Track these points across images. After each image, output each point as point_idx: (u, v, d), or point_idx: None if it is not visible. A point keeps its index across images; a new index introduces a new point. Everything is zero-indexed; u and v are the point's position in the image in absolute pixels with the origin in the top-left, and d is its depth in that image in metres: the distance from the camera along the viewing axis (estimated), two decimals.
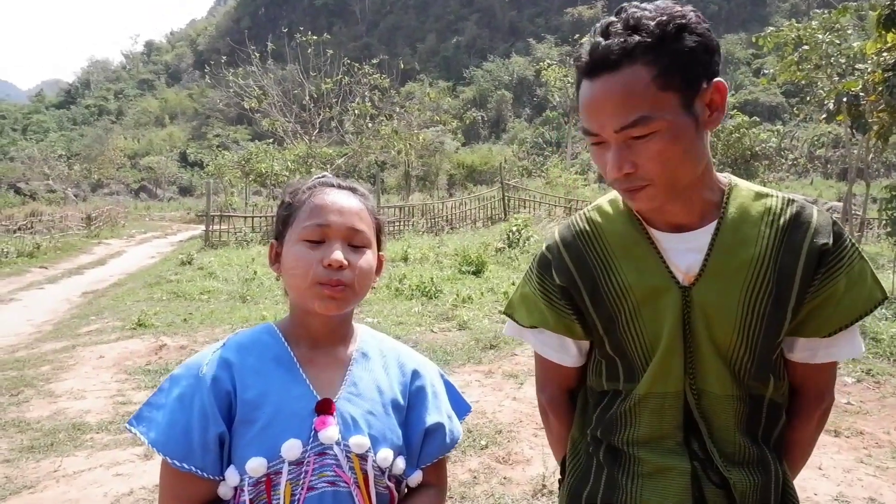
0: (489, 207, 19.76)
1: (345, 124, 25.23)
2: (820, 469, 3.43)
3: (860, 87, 8.11)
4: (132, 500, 3.23)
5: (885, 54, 7.37)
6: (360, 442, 1.05)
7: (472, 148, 43.96)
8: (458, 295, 7.91)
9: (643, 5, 0.96)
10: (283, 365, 1.10)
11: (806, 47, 9.62)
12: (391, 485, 1.10)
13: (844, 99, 7.93)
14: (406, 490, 1.15)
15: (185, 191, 51.11)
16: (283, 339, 1.13)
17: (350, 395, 1.10)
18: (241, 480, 1.02)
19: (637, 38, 0.91)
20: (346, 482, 1.04)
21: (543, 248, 1.20)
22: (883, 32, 6.69)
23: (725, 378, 1.05)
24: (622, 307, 1.08)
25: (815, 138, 36.71)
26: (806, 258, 1.01)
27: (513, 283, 8.46)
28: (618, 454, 1.13)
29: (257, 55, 23.70)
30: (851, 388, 4.71)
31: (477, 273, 9.73)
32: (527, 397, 4.48)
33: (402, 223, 17.81)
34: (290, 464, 1.02)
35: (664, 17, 0.92)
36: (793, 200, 1.07)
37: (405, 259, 11.25)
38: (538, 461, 3.49)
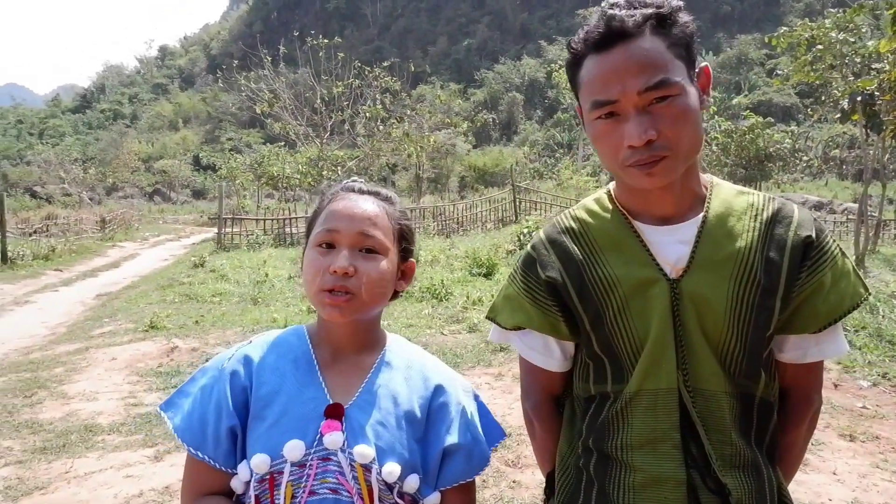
0: (500, 209, 19.73)
1: (356, 127, 25.29)
2: (835, 474, 3.38)
3: (875, 86, 8.01)
4: (142, 502, 3.24)
5: None
6: (363, 452, 1.03)
7: (484, 150, 43.96)
8: (468, 297, 7.89)
9: None
10: (302, 366, 1.10)
11: (819, 47, 9.51)
12: (402, 503, 1.06)
13: (859, 98, 7.84)
14: None
15: (199, 194, 51.52)
16: (308, 342, 1.13)
17: (363, 402, 1.08)
18: (251, 475, 1.03)
19: (649, 10, 0.96)
20: (348, 491, 1.01)
21: (528, 247, 1.19)
22: None
23: (719, 374, 1.04)
24: (610, 301, 1.07)
25: (830, 139, 36.36)
26: (791, 250, 1.03)
27: None
28: (609, 464, 1.09)
29: (269, 59, 23.83)
30: (867, 392, 4.64)
31: (487, 275, 9.71)
32: None
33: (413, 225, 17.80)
34: (293, 465, 1.01)
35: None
36: (773, 198, 1.10)
37: (416, 261, 11.23)
38: None
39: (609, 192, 1.16)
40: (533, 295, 1.14)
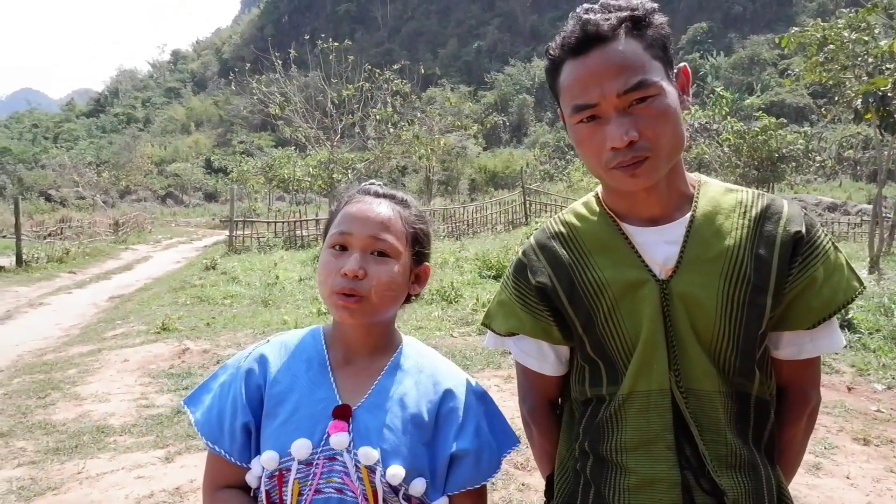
0: (510, 212, 19.72)
1: (366, 130, 25.36)
2: (848, 478, 3.34)
3: (889, 86, 7.92)
4: (153, 503, 3.26)
5: None
6: (367, 453, 1.04)
7: (494, 152, 43.92)
8: (477, 299, 7.89)
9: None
10: (315, 366, 1.11)
11: (831, 47, 9.41)
12: None
13: (871, 100, 7.76)
14: None
15: (211, 197, 51.83)
16: (322, 342, 1.15)
17: (371, 405, 1.09)
18: (262, 471, 1.06)
19: (624, 13, 0.97)
20: (353, 492, 1.03)
21: (519, 253, 1.20)
22: None
23: (712, 374, 1.03)
24: (600, 304, 1.07)
25: (844, 139, 35.97)
26: (781, 246, 1.02)
27: None
28: (605, 466, 1.09)
29: (280, 62, 23.96)
30: (881, 396, 4.59)
31: (497, 278, 9.69)
32: None
33: None
34: (300, 463, 1.03)
35: (636, 2, 1.00)
36: (762, 194, 1.10)
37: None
38: None
39: (597, 194, 1.16)
40: (524, 300, 1.15)
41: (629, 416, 1.06)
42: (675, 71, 1.03)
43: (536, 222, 13.77)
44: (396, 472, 1.04)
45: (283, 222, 17.80)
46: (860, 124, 9.73)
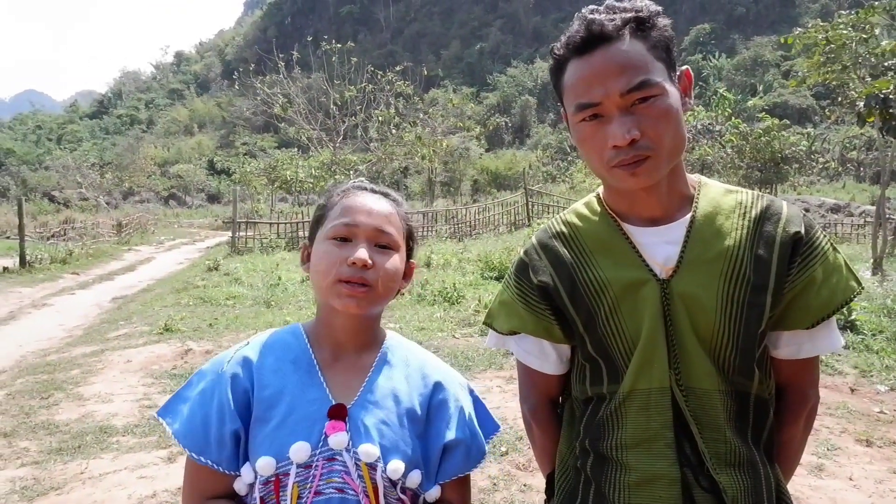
0: (513, 213, 19.71)
1: (369, 131, 25.43)
2: (851, 480, 3.33)
3: (891, 88, 7.91)
4: (155, 503, 3.27)
5: None
6: (369, 451, 1.04)
7: (496, 153, 43.91)
8: (480, 301, 7.88)
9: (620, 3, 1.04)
10: (303, 367, 1.10)
11: (832, 47, 9.40)
12: (405, 498, 1.07)
13: (874, 102, 7.75)
14: None
15: (213, 198, 51.90)
16: (306, 341, 1.14)
17: (365, 402, 1.09)
18: (255, 478, 1.03)
19: (629, 14, 0.99)
20: (354, 490, 1.03)
21: (521, 253, 1.21)
22: None
23: (712, 372, 1.04)
24: (601, 303, 1.08)
25: (847, 141, 35.89)
26: (780, 247, 1.03)
27: None
28: (605, 464, 1.10)
29: (283, 64, 24.01)
30: (885, 397, 4.58)
31: (499, 279, 9.69)
32: None
33: (425, 229, 17.87)
34: (299, 466, 1.02)
35: (641, 4, 1.01)
36: (762, 195, 1.11)
37: (428, 264, 11.26)
38: None
39: (598, 195, 1.17)
40: (526, 300, 1.16)
41: (629, 414, 1.07)
42: (678, 73, 1.04)
43: (539, 223, 13.76)
44: (397, 466, 1.05)
45: (286, 223, 17.84)
46: (863, 127, 9.72)
